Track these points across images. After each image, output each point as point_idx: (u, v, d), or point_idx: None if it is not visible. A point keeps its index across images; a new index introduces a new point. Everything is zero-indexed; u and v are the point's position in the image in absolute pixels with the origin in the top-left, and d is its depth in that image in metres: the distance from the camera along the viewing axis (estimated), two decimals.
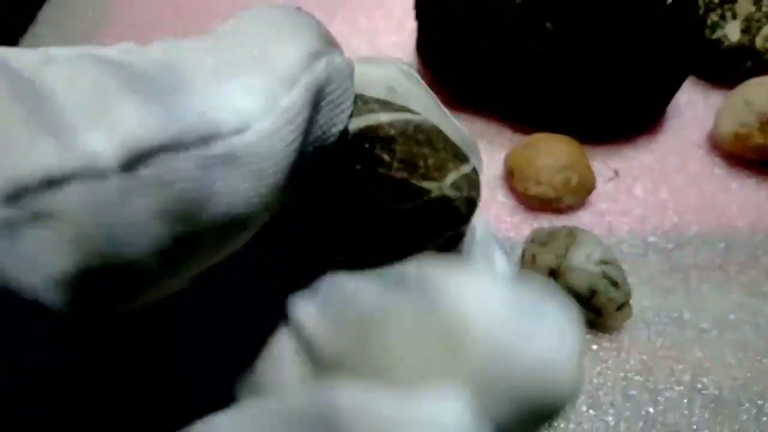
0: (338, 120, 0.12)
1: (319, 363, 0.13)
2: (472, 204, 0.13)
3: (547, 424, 0.12)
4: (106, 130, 0.09)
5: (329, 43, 0.12)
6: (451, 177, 0.13)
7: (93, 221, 0.09)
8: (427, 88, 0.15)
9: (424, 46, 0.37)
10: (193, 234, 0.10)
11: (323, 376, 0.13)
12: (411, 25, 0.39)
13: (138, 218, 0.09)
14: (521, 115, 0.35)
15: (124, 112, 0.09)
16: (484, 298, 0.12)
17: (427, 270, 0.13)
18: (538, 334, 0.12)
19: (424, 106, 0.14)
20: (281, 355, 0.14)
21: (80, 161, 0.09)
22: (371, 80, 0.14)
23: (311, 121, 0.11)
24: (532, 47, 0.32)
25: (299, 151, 0.11)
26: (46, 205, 0.09)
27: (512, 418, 0.11)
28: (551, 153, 0.31)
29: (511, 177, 0.33)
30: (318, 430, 0.11)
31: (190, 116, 0.10)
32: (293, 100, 0.11)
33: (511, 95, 0.35)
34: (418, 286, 0.12)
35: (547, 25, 0.31)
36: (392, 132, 0.13)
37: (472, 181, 0.13)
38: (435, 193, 0.13)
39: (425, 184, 0.13)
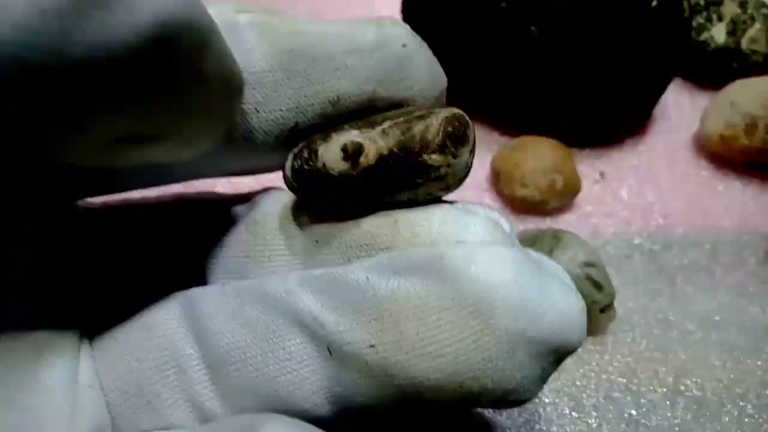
0: None
1: (343, 359, 0.14)
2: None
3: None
4: None
5: None
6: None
7: None
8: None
9: None
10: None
11: (347, 376, 0.14)
12: None
13: None
14: (508, 117, 0.35)
15: None
16: (499, 268, 0.13)
17: (438, 252, 0.14)
18: (553, 290, 0.14)
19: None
20: (302, 366, 0.14)
21: None
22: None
23: None
24: (518, 50, 0.32)
25: None
26: None
27: (536, 364, 0.13)
28: (537, 156, 0.31)
29: (497, 179, 0.32)
30: None
31: None
32: None
33: (497, 98, 0.35)
34: (434, 268, 0.13)
35: (532, 28, 0.31)
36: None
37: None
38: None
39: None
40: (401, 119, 0.15)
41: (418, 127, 0.15)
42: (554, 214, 0.32)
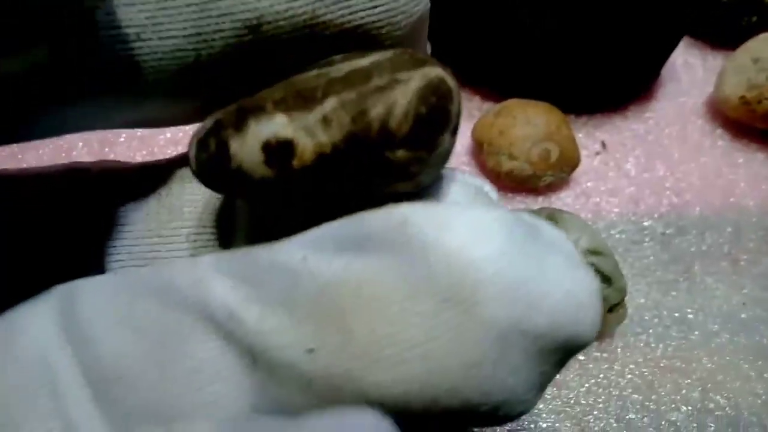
0: None
1: (272, 369, 0.11)
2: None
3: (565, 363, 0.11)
4: None
5: None
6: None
7: None
8: None
9: None
10: None
11: (278, 392, 0.11)
12: None
13: None
14: (492, 79, 0.31)
15: None
16: (483, 236, 0.10)
17: (398, 217, 0.11)
18: (556, 264, 0.11)
19: None
20: (216, 380, 0.12)
21: None
22: None
23: None
24: (508, 3, 0.28)
25: None
26: None
27: (535, 366, 0.11)
28: (528, 122, 0.27)
29: (480, 151, 0.28)
30: None
31: None
32: None
33: (479, 56, 0.30)
34: (393, 240, 0.11)
35: None
36: None
37: None
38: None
39: None
40: (352, 94, 0.11)
41: (376, 110, 0.11)
42: (548, 192, 0.28)
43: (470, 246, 0.10)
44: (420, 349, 0.10)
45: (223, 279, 0.12)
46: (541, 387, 0.12)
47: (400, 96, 0.11)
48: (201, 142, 0.12)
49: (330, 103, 0.11)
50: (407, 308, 0.10)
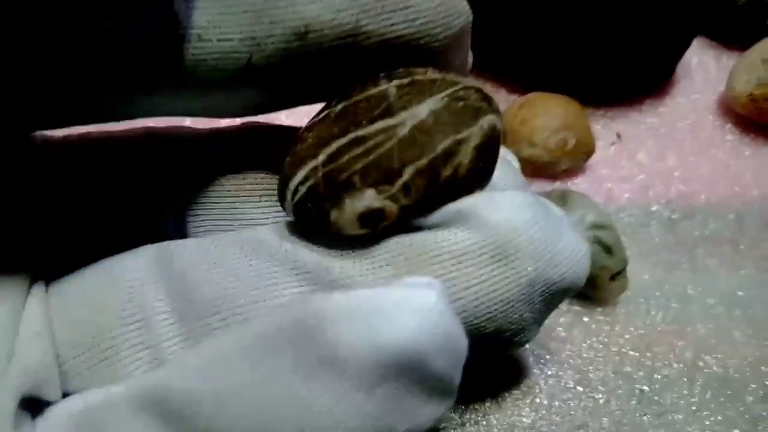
0: None
1: None
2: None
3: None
4: None
5: None
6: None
7: None
8: None
9: None
10: None
11: None
12: None
13: None
14: (517, 74, 0.33)
15: None
16: (520, 211, 0.13)
17: (454, 207, 0.14)
18: (564, 230, 0.14)
19: None
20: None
21: None
22: None
23: None
24: (533, 6, 0.29)
25: None
26: None
27: (545, 305, 0.14)
28: (548, 113, 0.29)
29: (504, 139, 0.30)
30: (297, 339, 0.11)
31: None
32: None
33: (506, 53, 0.32)
34: (451, 219, 0.14)
35: None
36: None
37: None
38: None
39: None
40: (424, 161, 0.13)
41: (445, 172, 0.13)
42: (564, 177, 0.30)
43: (512, 218, 0.13)
44: (472, 290, 0.13)
45: (306, 238, 0.14)
46: (541, 322, 0.15)
47: (464, 156, 0.13)
48: (299, 205, 0.14)
49: (408, 173, 0.13)
50: (463, 261, 0.13)
